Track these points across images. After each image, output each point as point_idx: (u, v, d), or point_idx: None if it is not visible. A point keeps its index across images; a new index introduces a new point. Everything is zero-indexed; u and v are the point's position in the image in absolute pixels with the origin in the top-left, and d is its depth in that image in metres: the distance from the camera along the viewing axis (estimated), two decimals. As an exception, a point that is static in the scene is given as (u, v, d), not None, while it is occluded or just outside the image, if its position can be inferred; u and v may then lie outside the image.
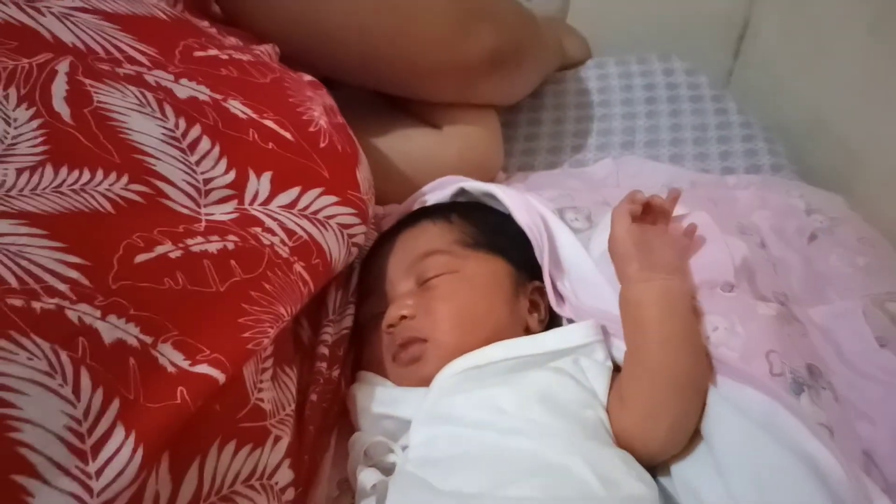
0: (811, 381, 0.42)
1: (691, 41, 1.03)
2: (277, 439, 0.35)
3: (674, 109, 0.87)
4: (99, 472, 0.26)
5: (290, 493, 0.36)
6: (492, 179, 0.70)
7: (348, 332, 0.46)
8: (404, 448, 0.39)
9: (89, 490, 0.26)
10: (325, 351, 0.42)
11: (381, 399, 0.42)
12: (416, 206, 0.54)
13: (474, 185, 0.53)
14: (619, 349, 0.41)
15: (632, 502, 0.33)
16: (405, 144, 0.63)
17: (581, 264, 0.48)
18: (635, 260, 0.41)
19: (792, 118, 0.91)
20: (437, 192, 0.55)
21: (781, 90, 0.97)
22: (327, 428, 0.42)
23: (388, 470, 0.39)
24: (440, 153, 0.65)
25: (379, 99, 0.65)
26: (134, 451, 0.27)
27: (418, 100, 0.65)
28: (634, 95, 0.89)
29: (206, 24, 0.47)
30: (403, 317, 0.43)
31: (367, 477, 0.38)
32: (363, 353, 0.46)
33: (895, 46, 0.74)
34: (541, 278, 0.47)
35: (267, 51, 0.49)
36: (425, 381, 0.41)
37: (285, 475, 0.35)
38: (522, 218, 0.49)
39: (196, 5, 0.49)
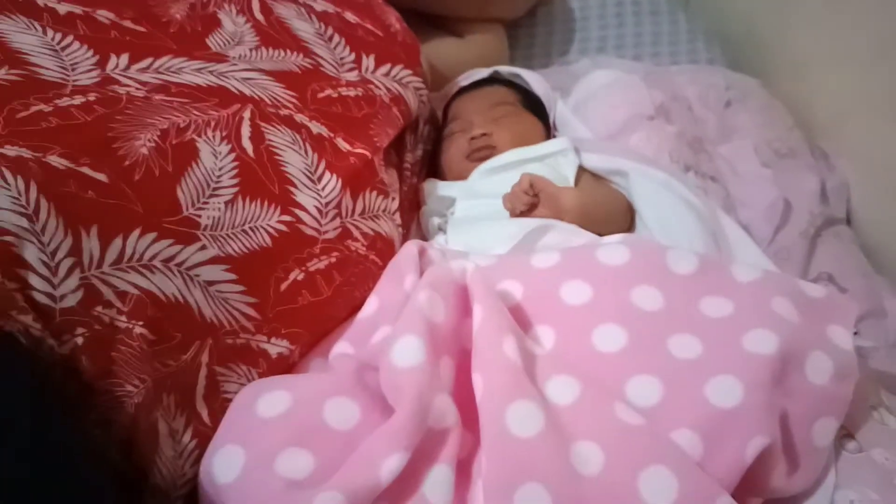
0: (698, 168, 0.70)
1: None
2: (393, 200, 0.63)
3: (637, 21, 1.12)
4: None
5: (400, 227, 0.63)
6: (499, 75, 0.97)
7: (420, 158, 0.74)
8: (452, 213, 0.68)
9: None
10: (408, 166, 0.70)
11: (439, 187, 0.71)
12: (455, 88, 0.82)
13: (505, 69, 0.81)
14: (583, 159, 0.69)
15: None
16: (439, 50, 0.89)
17: (564, 114, 0.76)
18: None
19: (730, 26, 1.18)
20: (473, 76, 0.82)
21: (724, 3, 1.22)
22: (415, 206, 0.71)
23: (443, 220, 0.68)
24: (465, 54, 0.91)
25: (417, 18, 0.91)
26: None
27: (448, 15, 0.91)
28: (607, 10, 1.13)
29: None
30: (484, 134, 0.70)
31: (434, 221, 0.67)
32: (437, 160, 0.74)
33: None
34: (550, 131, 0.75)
35: None
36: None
37: (397, 217, 0.63)
38: (539, 88, 0.77)
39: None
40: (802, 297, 0.47)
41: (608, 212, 0.62)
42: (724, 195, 0.78)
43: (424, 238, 0.70)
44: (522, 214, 0.60)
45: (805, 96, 0.97)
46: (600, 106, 0.74)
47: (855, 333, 0.57)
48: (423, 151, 0.76)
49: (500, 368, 0.42)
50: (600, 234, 0.59)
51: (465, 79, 0.84)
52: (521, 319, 0.48)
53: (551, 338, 0.47)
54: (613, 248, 0.50)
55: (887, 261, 0.79)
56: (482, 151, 0.70)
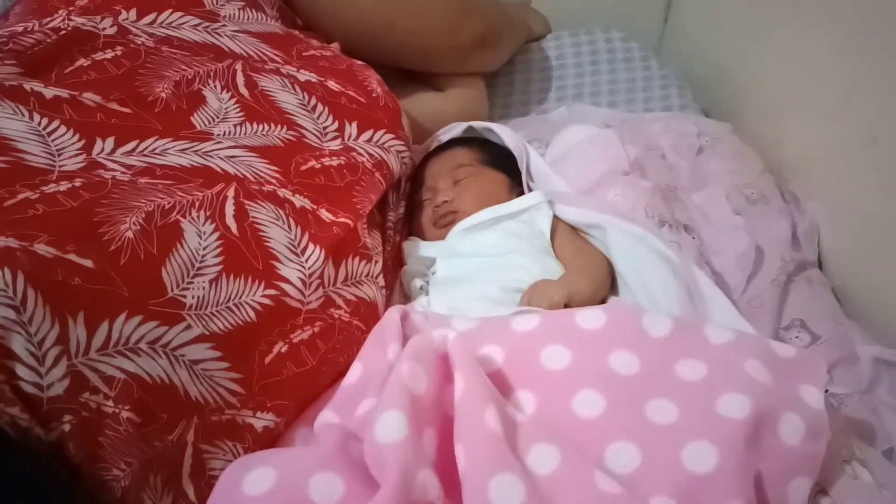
0: (673, 222, 0.72)
1: (630, 14, 1.31)
2: (376, 263, 0.64)
3: (612, 69, 1.15)
4: None
5: (383, 288, 0.65)
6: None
7: (402, 216, 0.75)
8: (434, 273, 0.70)
9: None
10: (391, 225, 0.72)
11: (420, 247, 0.72)
12: (436, 143, 0.84)
13: (478, 124, 0.83)
14: (557, 210, 0.71)
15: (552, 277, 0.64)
16: (421, 104, 0.92)
17: (541, 167, 0.78)
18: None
19: (702, 70, 1.21)
20: (450, 132, 0.84)
21: (696, 49, 1.26)
22: (398, 264, 0.73)
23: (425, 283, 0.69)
24: (446, 108, 0.93)
25: (400, 74, 0.94)
26: None
27: (427, 72, 0.94)
28: (582, 59, 1.17)
29: (297, 32, 0.76)
30: (446, 201, 0.73)
31: (416, 282, 0.68)
32: (412, 224, 0.76)
33: (769, 13, 1.02)
34: (521, 184, 0.77)
35: (335, 48, 0.78)
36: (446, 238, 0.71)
37: (380, 280, 0.64)
38: (511, 142, 0.79)
39: (288, 20, 0.78)
40: (774, 358, 0.48)
41: (594, 287, 0.64)
42: (698, 244, 0.80)
43: (407, 296, 0.71)
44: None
45: (775, 139, 1.00)
46: (577, 161, 0.76)
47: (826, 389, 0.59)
48: (405, 208, 0.77)
49: (482, 440, 0.44)
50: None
51: (444, 132, 0.86)
52: (501, 384, 0.49)
53: (532, 403, 0.49)
54: (591, 312, 0.51)
55: (858, 302, 0.81)
56: (446, 217, 0.73)
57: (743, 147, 0.98)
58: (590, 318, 0.50)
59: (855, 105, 0.82)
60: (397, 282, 0.71)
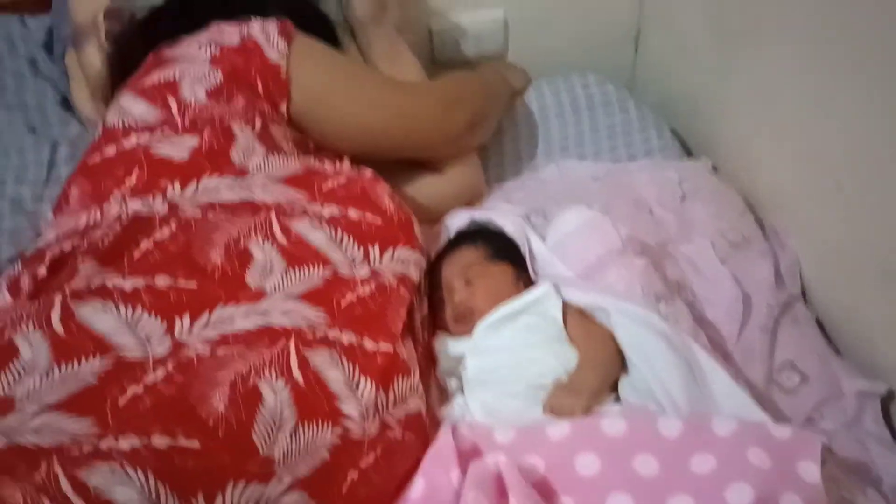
0: (667, 295, 0.82)
1: (602, 53, 1.39)
2: (415, 374, 0.73)
3: (591, 115, 1.22)
4: None
5: (423, 396, 0.74)
6: (481, 195, 1.08)
7: (427, 314, 0.84)
8: (464, 369, 0.79)
9: None
10: (419, 326, 0.81)
11: (448, 345, 0.81)
12: (444, 233, 0.92)
13: (480, 215, 0.92)
14: (564, 294, 0.80)
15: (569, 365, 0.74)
16: (424, 188, 1.00)
17: (543, 252, 0.87)
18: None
19: (676, 101, 1.29)
20: (456, 221, 0.93)
21: (668, 80, 1.34)
22: (430, 363, 0.82)
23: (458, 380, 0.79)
24: (446, 188, 1.01)
25: (403, 162, 1.02)
26: None
27: (425, 159, 1.02)
28: (563, 108, 1.24)
29: (312, 158, 0.84)
30: (462, 301, 0.82)
31: (452, 382, 0.78)
32: (435, 319, 0.85)
33: (735, 45, 1.10)
34: (526, 267, 0.86)
35: (346, 167, 0.85)
36: (470, 331, 0.81)
37: (420, 388, 0.73)
38: (513, 233, 0.88)
39: (301, 146, 0.86)
40: (772, 442, 0.58)
41: (606, 378, 0.73)
42: (692, 299, 0.90)
43: (442, 389, 0.80)
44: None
45: (749, 170, 1.08)
46: (574, 247, 0.86)
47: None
48: (429, 305, 0.86)
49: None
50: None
51: (450, 219, 0.94)
52: (545, 492, 0.59)
53: (573, 507, 0.58)
54: (614, 420, 0.61)
55: (840, 332, 0.91)
56: (465, 316, 0.82)
57: (722, 187, 1.07)
58: (613, 425, 0.60)
59: (821, 151, 0.90)
60: (432, 378, 0.81)
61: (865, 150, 0.81)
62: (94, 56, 1.05)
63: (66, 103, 1.11)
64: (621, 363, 0.76)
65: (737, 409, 0.68)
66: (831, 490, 0.65)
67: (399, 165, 1.00)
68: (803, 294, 0.95)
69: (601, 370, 0.73)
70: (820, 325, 0.92)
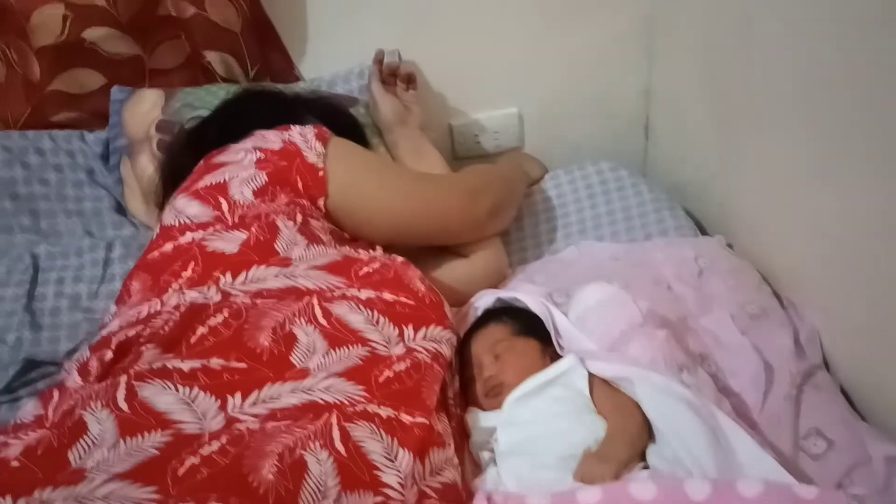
0: (689, 364, 0.85)
1: (615, 144, 1.48)
2: (449, 446, 0.76)
3: (607, 199, 1.30)
4: None
5: (458, 468, 0.77)
6: (505, 277, 1.13)
7: (458, 390, 0.88)
8: (496, 440, 0.82)
9: None
10: (451, 401, 0.85)
11: (480, 419, 0.85)
12: (472, 312, 0.98)
13: (506, 294, 0.97)
14: (590, 367, 0.84)
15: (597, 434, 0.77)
16: (451, 272, 1.06)
17: (567, 327, 0.92)
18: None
19: (688, 186, 1.36)
20: (483, 300, 0.98)
21: (679, 166, 1.42)
22: (463, 436, 0.85)
23: (491, 453, 0.82)
24: (472, 272, 1.07)
25: (430, 249, 1.08)
26: None
27: (451, 246, 1.08)
28: (580, 194, 1.32)
29: (348, 247, 0.91)
30: (491, 376, 0.86)
31: (485, 455, 0.81)
32: (467, 395, 0.89)
33: (736, 131, 1.17)
34: (551, 342, 0.90)
35: (379, 253, 0.92)
36: (500, 405, 0.84)
37: (454, 459, 0.77)
38: (537, 309, 0.93)
39: (337, 237, 0.93)
40: (798, 502, 0.60)
41: (634, 449, 0.76)
42: (714, 370, 0.92)
43: (476, 464, 0.83)
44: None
45: (763, 250, 1.13)
46: (597, 321, 0.90)
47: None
48: (460, 382, 0.90)
49: None
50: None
51: (477, 299, 1.00)
52: (581, 557, 0.61)
53: (607, 569, 0.60)
54: (643, 484, 0.64)
55: (866, 399, 0.92)
56: (495, 390, 0.86)
57: (737, 262, 1.11)
58: (642, 489, 0.63)
59: (826, 224, 0.95)
60: (465, 452, 0.84)
61: (869, 217, 0.85)
62: (146, 164, 1.17)
63: (121, 209, 1.21)
64: (649, 432, 0.78)
65: (763, 474, 0.70)
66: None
67: (428, 252, 1.07)
68: (826, 365, 0.97)
69: (629, 438, 0.76)
70: (845, 394, 0.94)
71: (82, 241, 1.14)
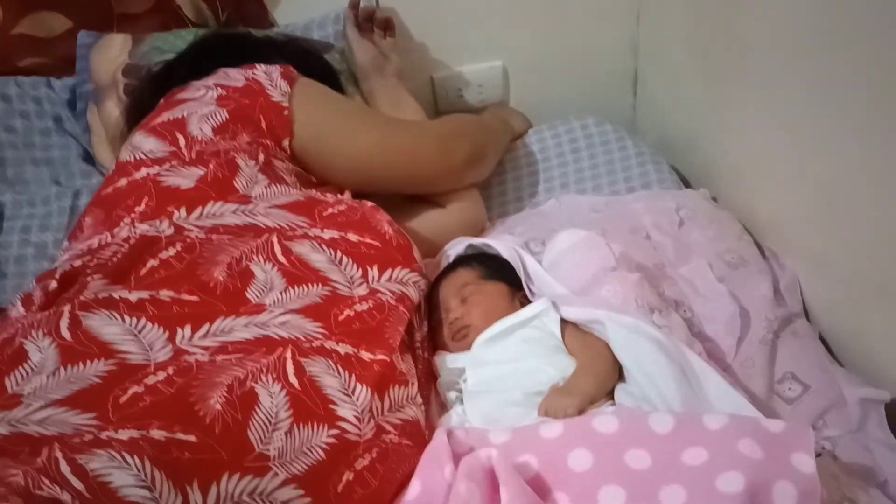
0: (662, 307, 0.83)
1: (603, 99, 1.44)
2: (413, 385, 0.74)
3: (591, 154, 1.27)
4: None
5: (422, 405, 0.75)
6: (483, 229, 1.11)
7: (426, 334, 0.86)
8: (464, 381, 0.80)
9: None
10: (419, 344, 0.82)
11: (448, 360, 0.83)
12: (444, 260, 0.95)
13: (477, 241, 0.95)
14: (562, 311, 0.82)
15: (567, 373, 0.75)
16: (427, 223, 1.03)
17: (538, 272, 0.89)
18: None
19: (675, 140, 1.33)
20: (455, 247, 0.96)
21: (666, 120, 1.39)
22: (430, 378, 0.83)
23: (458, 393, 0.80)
24: (448, 222, 1.04)
25: (405, 198, 1.05)
26: None
27: (427, 194, 1.05)
28: (563, 149, 1.29)
29: (314, 191, 0.88)
30: (457, 318, 0.84)
31: (452, 395, 0.79)
32: (435, 340, 0.87)
33: (723, 82, 1.14)
34: (521, 287, 0.88)
35: (347, 197, 0.89)
36: (468, 347, 0.82)
37: (418, 398, 0.74)
38: (507, 254, 0.91)
39: (304, 181, 0.90)
40: (765, 434, 0.58)
41: (600, 384, 0.74)
42: (689, 316, 0.90)
43: (443, 405, 0.81)
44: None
45: (745, 202, 1.11)
46: (569, 265, 0.87)
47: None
48: (429, 326, 0.88)
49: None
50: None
51: (451, 248, 0.97)
52: (538, 488, 0.59)
53: (566, 502, 0.58)
54: (606, 417, 0.61)
55: (843, 347, 0.90)
56: (461, 332, 0.84)
57: (719, 213, 1.08)
58: (605, 423, 0.60)
59: (811, 173, 0.92)
60: (432, 393, 0.82)
61: (852, 167, 0.82)
62: (112, 109, 1.13)
63: (89, 157, 1.18)
64: (618, 372, 0.76)
65: (732, 411, 0.68)
66: (832, 488, 0.64)
67: (404, 201, 1.04)
68: (806, 313, 0.95)
69: (596, 375, 0.74)
70: (824, 342, 0.92)
71: (49, 189, 1.12)
